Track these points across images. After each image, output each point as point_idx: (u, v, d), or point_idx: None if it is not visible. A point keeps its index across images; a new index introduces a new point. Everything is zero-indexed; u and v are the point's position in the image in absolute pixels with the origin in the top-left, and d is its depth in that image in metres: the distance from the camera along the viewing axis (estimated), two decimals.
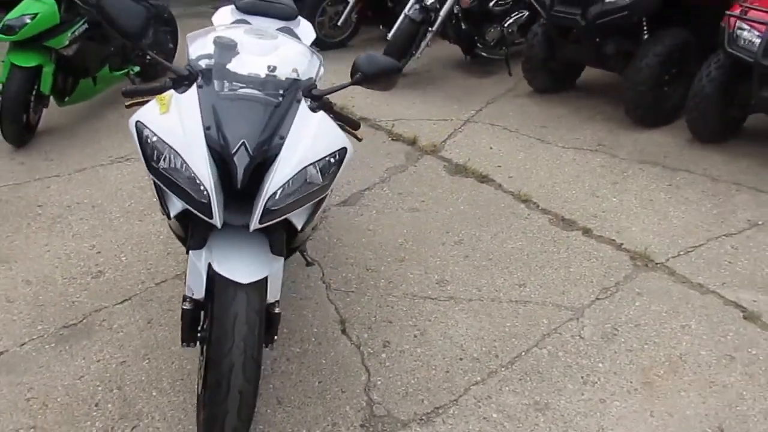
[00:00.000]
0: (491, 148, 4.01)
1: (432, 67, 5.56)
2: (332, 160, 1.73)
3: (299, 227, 1.75)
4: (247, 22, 2.84)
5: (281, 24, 2.93)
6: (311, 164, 1.67)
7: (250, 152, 1.60)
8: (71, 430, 2.06)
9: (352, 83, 1.84)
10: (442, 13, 4.94)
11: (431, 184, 3.58)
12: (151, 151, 1.62)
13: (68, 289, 2.73)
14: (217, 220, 1.60)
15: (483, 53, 5.32)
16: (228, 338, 1.64)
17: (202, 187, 1.58)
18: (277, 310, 1.92)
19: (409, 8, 4.98)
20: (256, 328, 1.67)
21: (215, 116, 1.63)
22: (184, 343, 1.85)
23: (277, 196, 1.64)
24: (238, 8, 2.91)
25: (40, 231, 3.16)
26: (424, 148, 4.01)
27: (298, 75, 1.88)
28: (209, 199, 1.58)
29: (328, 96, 1.97)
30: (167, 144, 1.59)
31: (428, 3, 4.90)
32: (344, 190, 3.51)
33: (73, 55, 4.13)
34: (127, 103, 1.82)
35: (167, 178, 1.63)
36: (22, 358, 2.35)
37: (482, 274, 2.79)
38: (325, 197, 1.81)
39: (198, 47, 1.80)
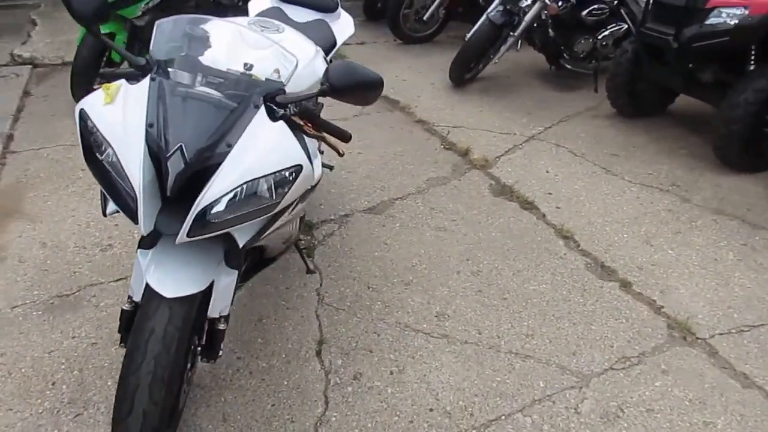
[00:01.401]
0: (547, 171, 3.66)
1: (512, 73, 5.21)
2: (284, 176, 1.54)
3: (240, 244, 1.59)
4: (282, 11, 2.71)
5: (318, 16, 2.77)
6: (256, 179, 1.50)
7: (187, 158, 1.45)
8: (22, 405, 2.03)
9: (316, 94, 1.64)
10: (527, 18, 4.58)
11: (469, 203, 3.31)
12: (89, 143, 1.52)
13: (75, 258, 2.75)
14: (141, 226, 1.47)
15: (568, 65, 4.90)
16: (138, 354, 1.52)
17: (131, 189, 1.46)
18: (221, 326, 1.79)
19: (492, 10, 4.66)
20: (173, 346, 1.54)
21: (161, 114, 1.49)
22: (121, 344, 1.75)
23: (216, 209, 1.49)
24: None
25: (73, 195, 3.22)
26: (475, 162, 3.72)
27: (279, 77, 1.71)
28: (136, 203, 1.45)
29: (317, 102, 1.78)
30: (104, 138, 1.48)
31: (513, 6, 4.57)
32: (375, 196, 3.32)
33: (144, 26, 4.19)
34: (95, 87, 1.72)
35: (102, 173, 1.52)
36: (9, 321, 2.37)
37: (489, 315, 2.51)
38: (277, 215, 1.64)
39: (166, 36, 1.66)
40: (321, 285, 2.64)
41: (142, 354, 1.51)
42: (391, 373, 2.22)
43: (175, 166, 1.45)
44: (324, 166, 2.67)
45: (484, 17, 4.64)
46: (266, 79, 1.68)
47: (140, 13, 4.12)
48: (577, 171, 3.68)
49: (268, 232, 1.65)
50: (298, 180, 1.57)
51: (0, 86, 4.42)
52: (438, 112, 4.42)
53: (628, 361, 2.31)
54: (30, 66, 4.81)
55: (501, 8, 4.64)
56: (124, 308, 1.71)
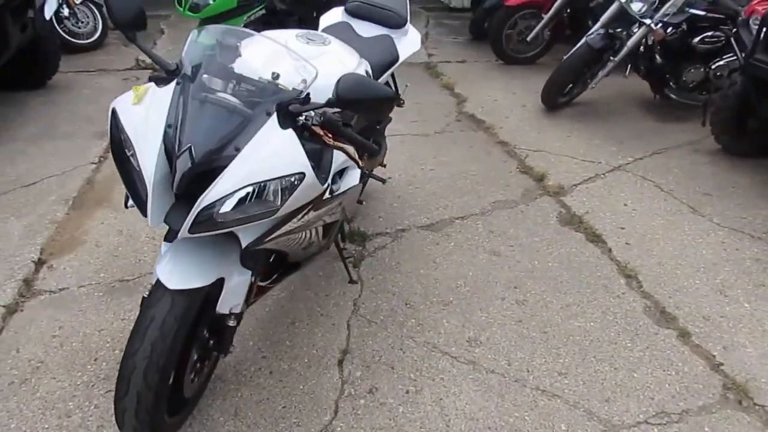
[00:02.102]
0: (626, 204, 3.44)
1: (613, 100, 4.96)
2: (287, 182, 1.58)
3: (243, 244, 1.65)
4: (349, 25, 2.78)
5: (384, 31, 2.81)
6: (257, 183, 1.55)
7: (194, 158, 1.53)
8: (65, 375, 2.22)
9: (323, 105, 1.66)
10: (630, 43, 4.35)
11: (531, 229, 3.19)
12: (117, 139, 1.65)
13: (143, 247, 2.97)
14: (149, 219, 1.57)
15: (674, 95, 4.58)
16: (137, 339, 1.62)
17: (144, 183, 1.56)
18: (230, 323, 1.86)
19: (592, 32, 4.48)
20: (171, 336, 1.62)
21: (180, 116, 1.59)
22: None
23: (223, 209, 1.55)
24: (346, 10, 2.86)
25: None
26: (549, 188, 3.58)
27: (305, 87, 1.75)
28: (146, 196, 1.55)
29: (343, 113, 1.81)
30: (127, 135, 1.60)
31: (616, 30, 4.36)
32: (436, 213, 3.29)
33: None
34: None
35: (124, 169, 1.64)
36: (73, 298, 2.61)
37: (523, 346, 2.40)
38: (283, 220, 1.68)
39: (199, 44, 1.76)
40: (360, 296, 2.65)
41: (141, 339, 1.61)
42: (407, 392, 2.19)
43: (182, 164, 1.53)
44: (375, 178, 2.71)
45: (583, 40, 4.46)
46: (293, 88, 1.73)
47: (242, 24, 4.41)
48: (659, 207, 3.43)
49: (273, 236, 1.69)
50: (299, 187, 1.60)
51: (121, 87, 4.89)
52: (523, 135, 4.30)
53: (667, 417, 2.11)
54: (150, 70, 5.26)
55: (602, 31, 4.45)
56: (144, 295, 1.82)
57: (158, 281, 1.67)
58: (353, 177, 2.24)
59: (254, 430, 2.02)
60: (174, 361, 1.67)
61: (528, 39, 5.65)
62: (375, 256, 2.94)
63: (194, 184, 1.55)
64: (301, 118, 1.67)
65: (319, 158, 1.81)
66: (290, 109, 1.64)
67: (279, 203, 1.60)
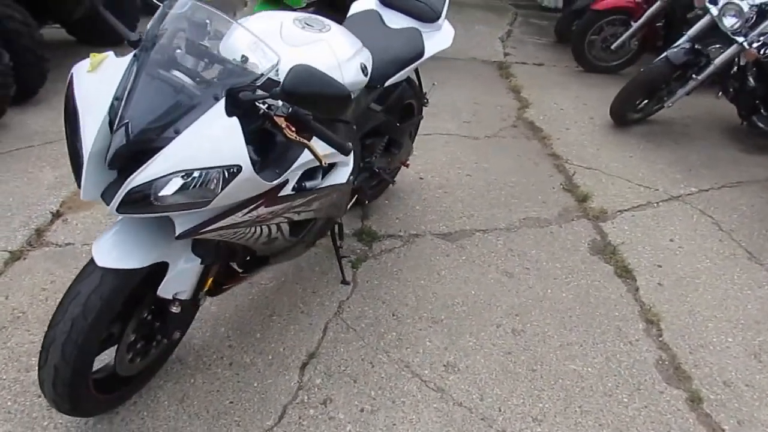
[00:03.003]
0: (672, 240, 3.09)
1: (694, 122, 4.51)
2: (221, 173, 1.48)
3: (177, 232, 1.57)
4: (378, 14, 2.64)
5: (414, 24, 2.65)
6: (190, 170, 1.46)
7: (129, 135, 1.46)
8: (39, 330, 2.22)
9: (266, 96, 1.53)
10: (717, 62, 3.91)
11: (556, 253, 2.93)
12: (68, 107, 1.60)
13: None
14: (82, 192, 1.52)
15: (762, 124, 4.09)
16: (60, 312, 1.59)
17: (81, 153, 1.51)
18: (173, 308, 1.80)
19: (675, 46, 4.06)
20: (93, 314, 1.57)
21: (129, 89, 1.52)
22: None
23: (164, 192, 1.47)
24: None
25: None
26: (589, 211, 3.29)
27: (276, 75, 1.64)
28: (81, 167, 1.50)
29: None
30: (75, 103, 1.55)
31: (703, 45, 3.93)
32: (458, 223, 3.10)
33: None
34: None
35: (69, 137, 1.59)
36: (74, 255, 2.64)
37: (503, 382, 2.20)
38: (224, 213, 1.58)
39: (169, 17, 1.68)
40: (347, 299, 2.53)
41: (62, 313, 1.58)
42: (362, 410, 2.05)
43: (117, 140, 1.46)
44: (384, 177, 2.57)
45: (663, 55, 4.06)
46: (262, 73, 1.62)
47: (304, 4, 4.35)
48: (710, 248, 3.05)
49: (211, 228, 1.60)
50: (235, 181, 1.49)
51: None
52: (579, 149, 3.99)
53: None
54: None
55: (687, 46, 4.02)
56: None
57: (92, 257, 1.63)
58: (339, 175, 2.12)
59: (194, 421, 1.96)
60: (95, 339, 1.62)
61: (612, 47, 5.25)
62: (378, 259, 2.80)
63: (134, 162, 1.48)
64: (263, 106, 1.56)
65: (277, 152, 1.69)
66: (240, 96, 1.53)
67: (211, 195, 1.50)
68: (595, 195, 3.44)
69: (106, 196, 1.54)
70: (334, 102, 1.53)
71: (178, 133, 1.49)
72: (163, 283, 1.73)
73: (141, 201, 1.48)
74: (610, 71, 5.41)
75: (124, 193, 1.46)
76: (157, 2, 1.66)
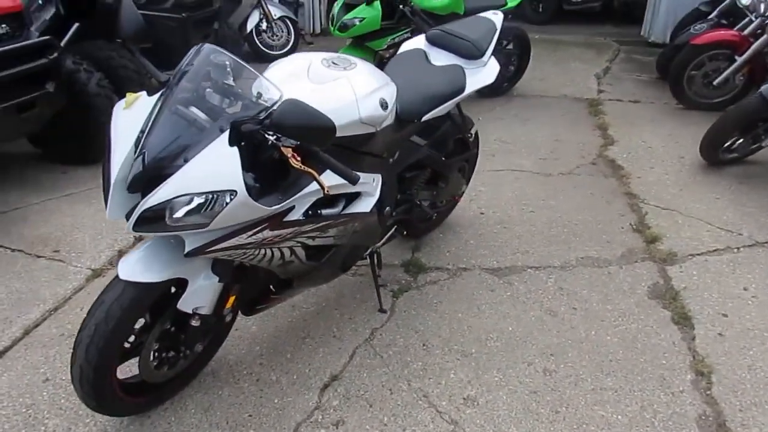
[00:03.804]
0: (746, 289, 2.84)
1: None
2: (219, 197, 1.63)
3: (186, 249, 1.73)
4: (424, 53, 2.75)
5: (458, 61, 2.72)
6: (191, 194, 1.63)
7: (145, 163, 1.66)
8: None
9: (262, 128, 1.66)
10: None
11: (610, 295, 2.80)
12: (107, 139, 1.84)
13: None
14: (108, 211, 1.73)
15: None
16: (87, 318, 1.80)
17: (109, 179, 1.73)
18: (193, 322, 1.96)
19: None
20: (114, 321, 1.77)
21: (152, 123, 1.73)
22: None
23: (177, 214, 1.65)
24: (426, 38, 2.81)
25: None
26: (657, 253, 3.11)
27: (266, 108, 1.78)
28: (108, 191, 1.72)
29: None
30: (110, 136, 1.79)
31: None
32: (510, 258, 3.07)
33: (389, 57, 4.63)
34: None
35: (103, 165, 1.82)
36: None
37: (522, 422, 2.13)
38: (230, 234, 1.73)
39: (195, 58, 1.87)
40: (382, 326, 2.59)
41: (89, 318, 1.79)
42: None
43: (135, 167, 1.67)
44: (424, 209, 2.64)
45: (757, 92, 3.77)
46: (265, 107, 1.77)
47: (385, 46, 4.57)
48: None
49: (217, 247, 1.75)
50: (231, 204, 1.64)
51: None
52: (660, 189, 3.79)
53: None
54: None
55: None
56: None
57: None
58: (362, 204, 2.22)
59: (213, 430, 2.09)
60: (115, 344, 1.81)
61: (715, 83, 4.93)
62: (421, 290, 2.84)
63: (151, 187, 1.68)
64: (272, 138, 1.71)
65: (287, 180, 1.82)
66: (242, 129, 1.69)
67: (210, 217, 1.65)
68: (667, 237, 3.24)
69: (129, 216, 1.75)
70: (318, 133, 1.64)
71: (186, 161, 1.67)
72: (182, 297, 1.90)
73: (153, 221, 1.67)
74: (714, 109, 5.06)
75: (138, 214, 1.66)
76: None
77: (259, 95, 1.79)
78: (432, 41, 2.78)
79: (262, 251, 1.89)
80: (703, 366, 2.37)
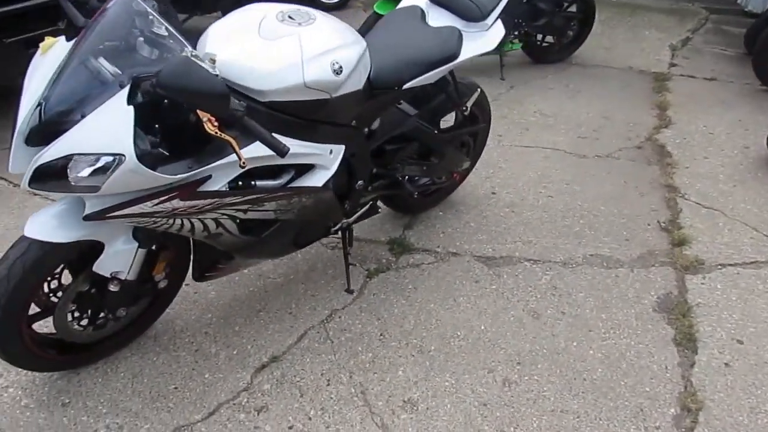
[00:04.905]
0: None
1: None
2: (108, 161, 1.48)
3: (85, 212, 1.60)
4: (420, 11, 2.46)
5: (457, 23, 2.41)
6: (76, 154, 1.48)
7: (42, 116, 1.53)
8: None
9: (148, 86, 1.47)
10: None
11: (608, 302, 2.48)
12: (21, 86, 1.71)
13: None
14: (9, 164, 1.61)
15: None
16: None
17: (12, 130, 1.61)
18: (111, 287, 1.86)
19: None
20: (16, 279, 1.69)
21: (62, 72, 1.59)
22: None
23: (81, 173, 1.53)
24: None
25: None
26: (680, 259, 2.72)
27: (215, 70, 1.59)
28: (11, 142, 1.61)
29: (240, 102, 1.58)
30: (23, 84, 1.66)
31: None
32: (508, 248, 2.79)
33: None
34: None
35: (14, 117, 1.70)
36: None
37: None
38: (132, 201, 1.59)
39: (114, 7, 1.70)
40: (343, 308, 2.41)
41: None
42: (291, 427, 1.94)
43: (33, 119, 1.54)
44: (404, 186, 2.41)
45: None
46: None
47: None
48: None
49: (117, 213, 1.61)
50: (119, 170, 1.48)
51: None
52: (708, 184, 3.32)
53: None
54: None
55: None
56: None
57: None
58: (313, 178, 2.01)
59: (134, 398, 2.01)
60: (17, 302, 1.73)
61: None
62: (399, 273, 2.62)
63: (50, 142, 1.55)
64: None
65: (198, 145, 1.65)
66: (141, 86, 1.52)
67: (100, 181, 1.51)
68: (698, 240, 2.84)
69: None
70: (208, 100, 1.44)
71: (83, 116, 1.52)
72: (99, 260, 1.79)
73: (48, 179, 1.54)
74: None
75: (31, 170, 1.53)
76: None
77: (169, 50, 1.60)
78: None
79: (178, 221, 1.74)
80: (693, 400, 2.04)
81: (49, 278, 1.84)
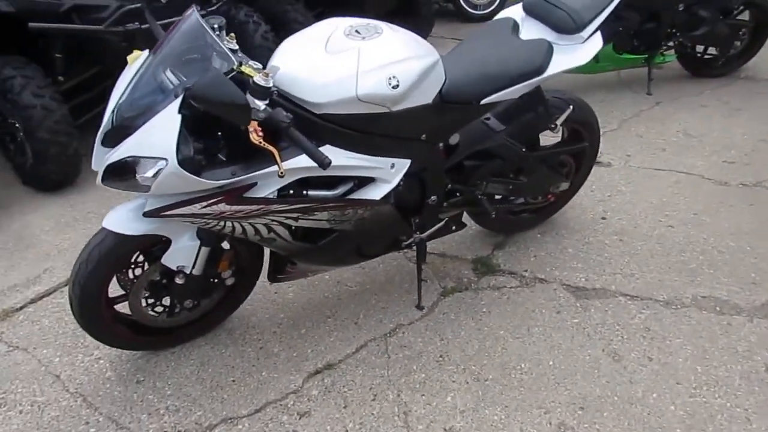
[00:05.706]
0: None
1: None
2: (155, 164, 1.62)
3: (144, 210, 1.77)
4: (515, 23, 2.36)
5: (549, 36, 2.26)
6: (134, 157, 1.64)
7: (113, 120, 1.72)
8: None
9: (183, 100, 1.55)
10: None
11: (709, 354, 2.16)
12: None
13: None
14: (92, 162, 1.83)
15: None
16: (80, 254, 1.96)
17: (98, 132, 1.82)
18: (178, 280, 2.03)
19: None
20: (93, 264, 1.90)
21: (135, 82, 1.76)
22: None
23: (147, 173, 1.69)
24: (523, 6, 2.37)
25: None
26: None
27: (268, 82, 1.67)
28: (95, 142, 1.82)
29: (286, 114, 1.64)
30: (111, 93, 1.87)
31: None
32: (605, 279, 2.55)
33: None
34: None
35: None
36: None
37: None
38: (184, 202, 1.72)
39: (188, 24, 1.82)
40: (409, 324, 2.38)
41: (80, 254, 1.95)
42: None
43: (107, 123, 1.74)
44: (483, 205, 2.33)
45: None
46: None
47: None
48: None
49: (171, 213, 1.74)
50: (164, 172, 1.61)
51: None
52: None
53: None
54: None
55: None
56: None
57: None
58: (371, 191, 2.02)
59: (196, 385, 2.15)
60: (96, 283, 1.93)
61: None
62: (477, 294, 2.52)
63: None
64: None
65: (246, 153, 1.73)
66: (187, 96, 1.63)
67: (151, 183, 1.66)
68: None
69: None
70: (233, 111, 1.51)
71: (145, 123, 1.68)
72: (167, 253, 1.97)
73: (116, 177, 1.73)
74: None
75: (103, 169, 1.73)
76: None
77: (217, 63, 1.70)
78: (528, 10, 2.33)
79: (229, 224, 1.84)
80: None
81: (132, 265, 2.04)
